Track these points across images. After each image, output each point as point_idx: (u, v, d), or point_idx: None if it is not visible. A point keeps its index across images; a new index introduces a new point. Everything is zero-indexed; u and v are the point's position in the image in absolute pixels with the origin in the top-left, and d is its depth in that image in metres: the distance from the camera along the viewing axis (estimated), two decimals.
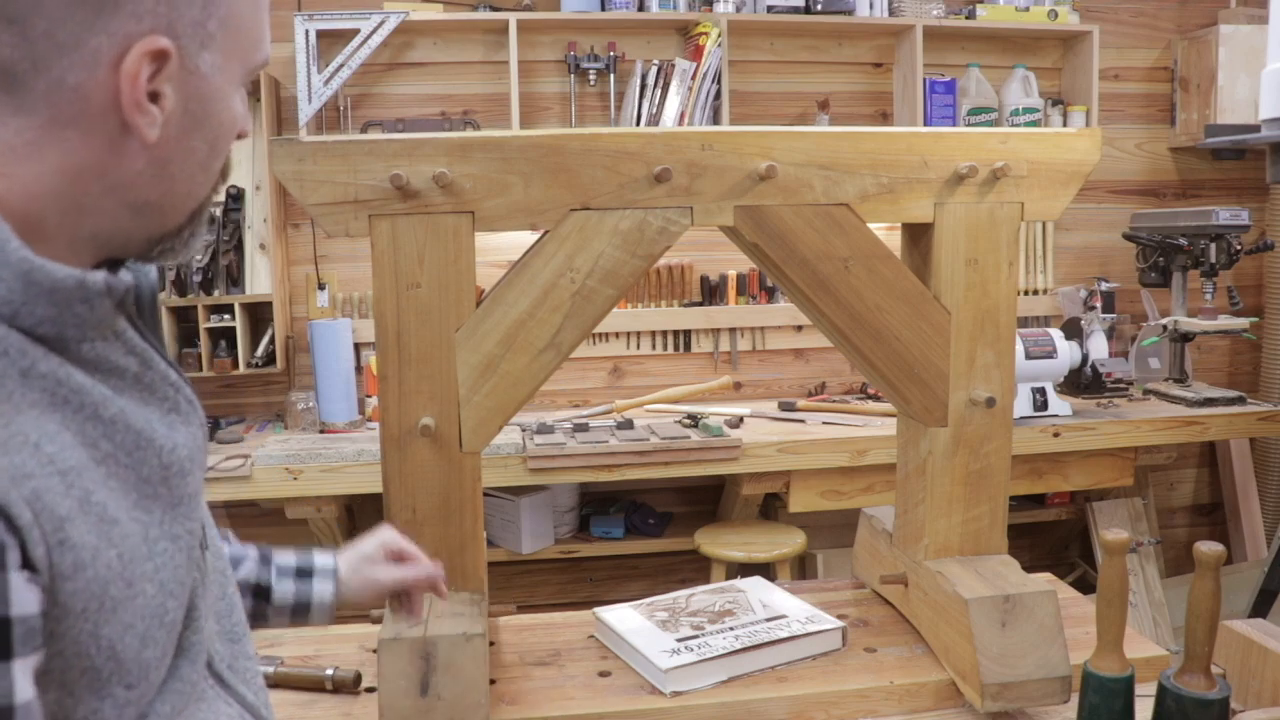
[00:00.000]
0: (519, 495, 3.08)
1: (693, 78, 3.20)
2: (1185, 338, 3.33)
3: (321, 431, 3.06)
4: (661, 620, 1.41)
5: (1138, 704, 1.10)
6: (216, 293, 3.07)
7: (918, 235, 1.38)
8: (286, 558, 1.07)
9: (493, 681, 1.28)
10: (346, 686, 1.30)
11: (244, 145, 3.06)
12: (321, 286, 3.31)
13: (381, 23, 3.05)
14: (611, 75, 3.31)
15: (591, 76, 3.33)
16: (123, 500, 0.64)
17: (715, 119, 3.23)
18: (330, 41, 3.10)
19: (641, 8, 3.28)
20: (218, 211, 3.09)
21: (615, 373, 3.52)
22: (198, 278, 3.01)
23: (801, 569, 3.36)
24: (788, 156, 1.26)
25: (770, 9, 3.30)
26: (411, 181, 1.20)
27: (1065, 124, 3.52)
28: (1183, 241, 3.21)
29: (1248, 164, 3.79)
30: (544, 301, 1.25)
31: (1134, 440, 3.07)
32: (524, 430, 2.96)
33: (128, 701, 0.63)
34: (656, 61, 3.24)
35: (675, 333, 3.50)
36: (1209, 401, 3.18)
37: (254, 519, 3.40)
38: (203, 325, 3.06)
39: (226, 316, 3.09)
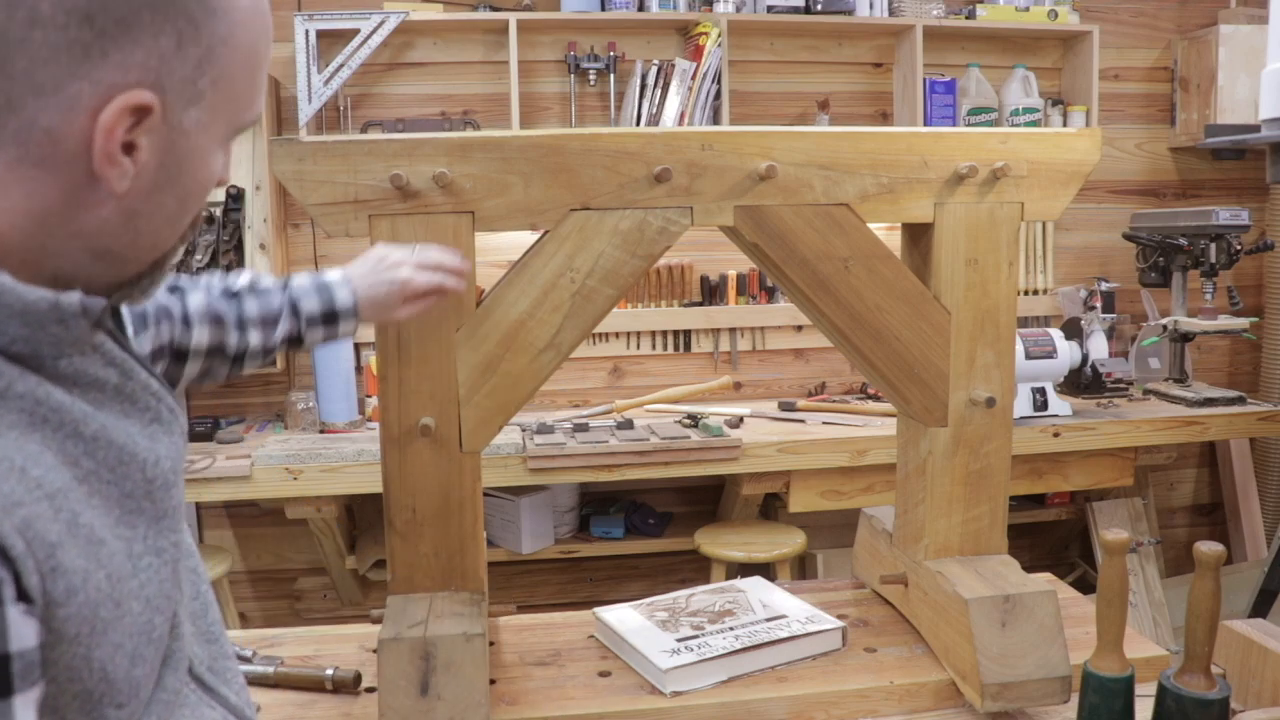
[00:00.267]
0: (519, 495, 3.08)
1: (693, 78, 3.20)
2: (1185, 338, 3.33)
3: (321, 431, 3.06)
4: (661, 620, 1.41)
5: (1138, 704, 1.10)
6: None
7: (918, 235, 1.38)
8: (310, 304, 1.15)
9: (493, 681, 1.28)
10: (346, 686, 1.30)
11: (244, 145, 3.06)
12: None
13: (381, 23, 3.05)
14: (611, 75, 3.31)
15: (591, 76, 3.33)
16: (106, 518, 0.63)
17: (715, 119, 3.23)
18: (330, 41, 3.10)
19: (641, 8, 3.28)
20: (218, 211, 3.09)
21: (615, 373, 3.52)
22: None
23: (801, 569, 3.36)
24: (788, 156, 1.26)
25: (770, 9, 3.30)
26: (411, 181, 1.20)
27: (1065, 124, 3.52)
28: (1183, 241, 3.21)
29: (1248, 164, 3.79)
30: (544, 301, 1.25)
31: (1134, 440, 3.07)
32: (524, 430, 2.96)
33: None
34: (656, 61, 3.24)
35: (675, 333, 3.50)
36: (1209, 401, 3.18)
37: (254, 519, 3.40)
38: None
39: None
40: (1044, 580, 1.50)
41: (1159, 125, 3.77)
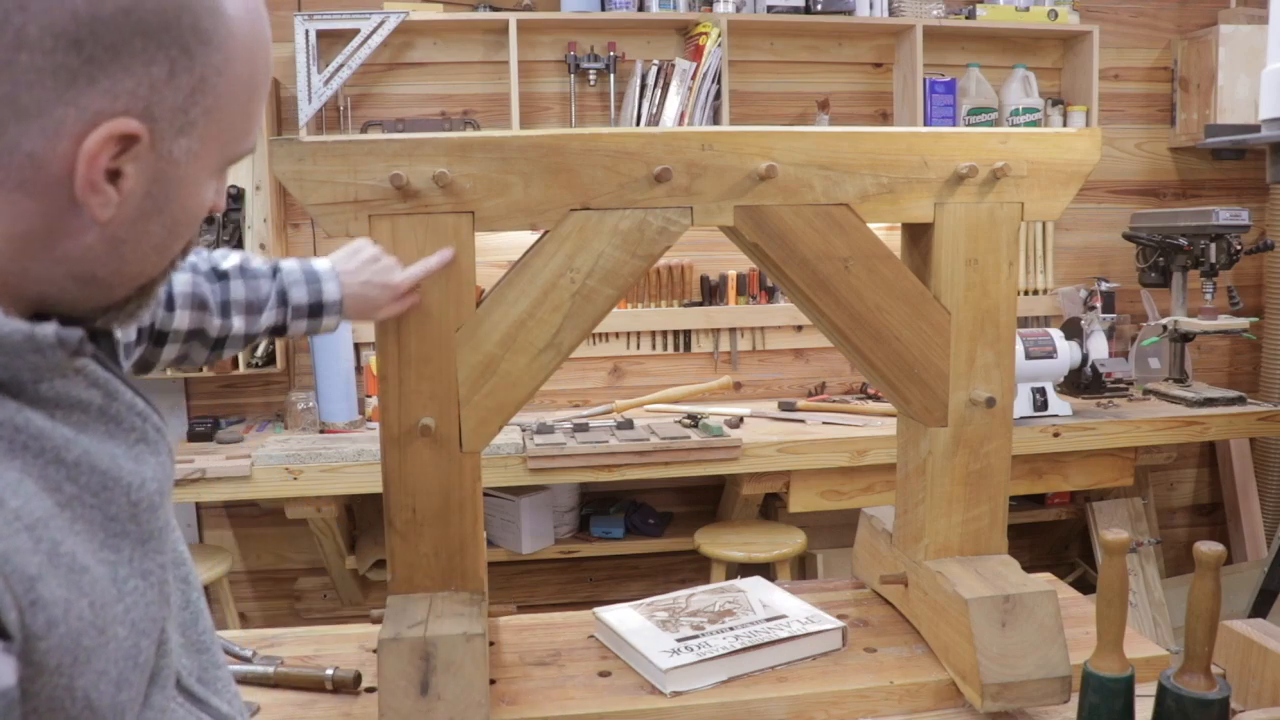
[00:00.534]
0: (519, 495, 3.08)
1: (693, 78, 3.20)
2: (1185, 338, 3.33)
3: (321, 431, 3.06)
4: (661, 620, 1.41)
5: (1138, 704, 1.10)
6: None
7: (918, 235, 1.38)
8: (299, 294, 1.19)
9: (493, 681, 1.28)
10: (346, 686, 1.30)
11: None
12: None
13: (381, 23, 3.05)
14: (611, 75, 3.31)
15: (591, 76, 3.33)
16: (89, 543, 0.61)
17: (715, 119, 3.23)
18: (330, 41, 3.10)
19: (641, 8, 3.28)
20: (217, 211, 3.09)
21: (615, 373, 3.52)
22: None
23: (801, 569, 3.36)
24: (788, 156, 1.26)
25: (770, 9, 3.30)
26: (411, 181, 1.20)
27: (1065, 124, 3.52)
28: (1183, 241, 3.21)
29: (1248, 164, 3.79)
30: (544, 301, 1.25)
31: (1134, 440, 3.07)
32: (524, 430, 2.96)
33: None
34: (656, 61, 3.24)
35: (675, 333, 3.50)
36: (1209, 401, 3.18)
37: (254, 519, 3.40)
38: None
39: None
40: (1044, 580, 1.50)
41: (1159, 125, 3.77)
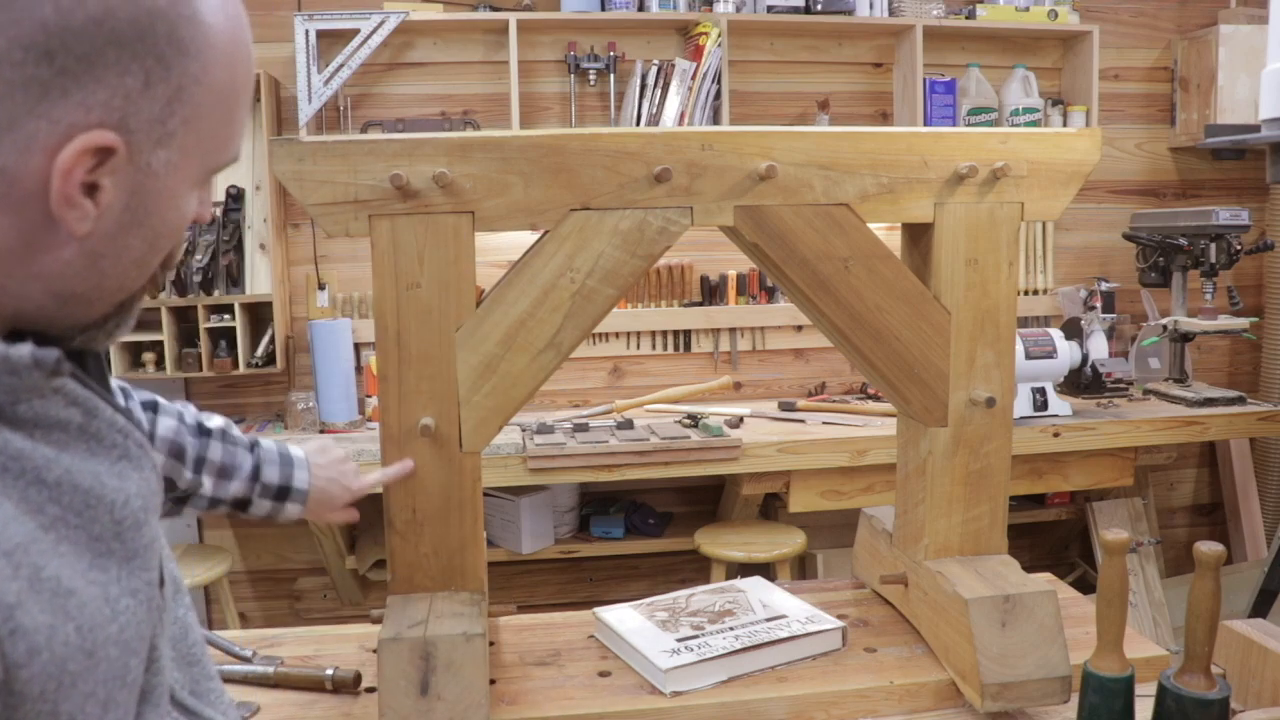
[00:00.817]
0: (519, 495, 3.08)
1: (693, 78, 3.20)
2: (1185, 338, 3.33)
3: (321, 431, 3.06)
4: (661, 620, 1.41)
5: (1138, 704, 1.10)
6: (216, 293, 3.07)
7: (918, 235, 1.38)
8: (271, 473, 1.23)
9: (493, 681, 1.28)
10: (346, 686, 1.30)
11: (245, 145, 3.06)
12: (321, 286, 3.31)
13: (381, 23, 3.05)
14: (611, 75, 3.31)
15: (591, 76, 3.33)
16: (77, 564, 0.60)
17: (715, 119, 3.23)
18: (330, 41, 3.10)
19: (641, 8, 3.28)
20: (218, 211, 3.09)
21: (615, 373, 3.52)
22: (198, 278, 3.01)
23: (801, 569, 3.36)
24: (788, 156, 1.26)
25: (770, 9, 3.30)
26: (411, 181, 1.20)
27: (1065, 124, 3.52)
28: (1183, 241, 3.21)
29: (1248, 164, 3.79)
30: (544, 301, 1.25)
31: (1134, 440, 3.07)
32: (524, 430, 2.96)
33: None
34: (656, 61, 3.24)
35: (675, 333, 3.50)
36: (1209, 401, 3.18)
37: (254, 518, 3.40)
38: (203, 325, 3.06)
39: (226, 316, 3.09)
40: (1044, 580, 1.50)
41: (1159, 125, 3.77)
